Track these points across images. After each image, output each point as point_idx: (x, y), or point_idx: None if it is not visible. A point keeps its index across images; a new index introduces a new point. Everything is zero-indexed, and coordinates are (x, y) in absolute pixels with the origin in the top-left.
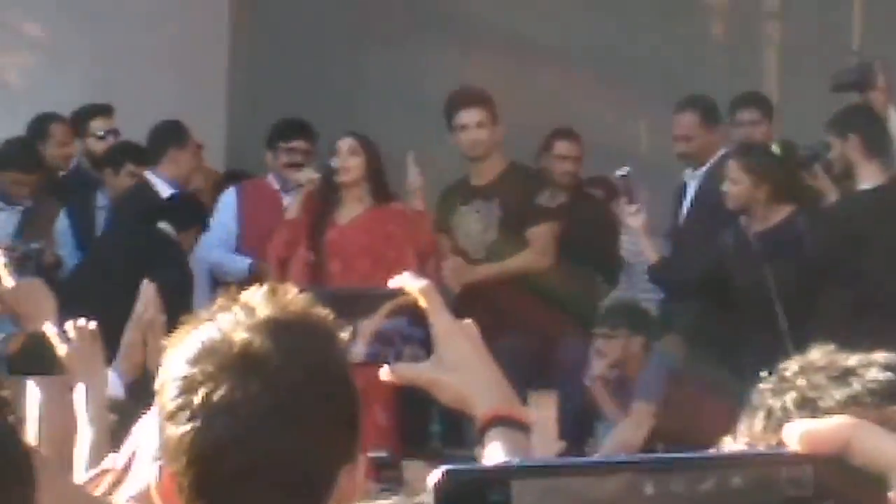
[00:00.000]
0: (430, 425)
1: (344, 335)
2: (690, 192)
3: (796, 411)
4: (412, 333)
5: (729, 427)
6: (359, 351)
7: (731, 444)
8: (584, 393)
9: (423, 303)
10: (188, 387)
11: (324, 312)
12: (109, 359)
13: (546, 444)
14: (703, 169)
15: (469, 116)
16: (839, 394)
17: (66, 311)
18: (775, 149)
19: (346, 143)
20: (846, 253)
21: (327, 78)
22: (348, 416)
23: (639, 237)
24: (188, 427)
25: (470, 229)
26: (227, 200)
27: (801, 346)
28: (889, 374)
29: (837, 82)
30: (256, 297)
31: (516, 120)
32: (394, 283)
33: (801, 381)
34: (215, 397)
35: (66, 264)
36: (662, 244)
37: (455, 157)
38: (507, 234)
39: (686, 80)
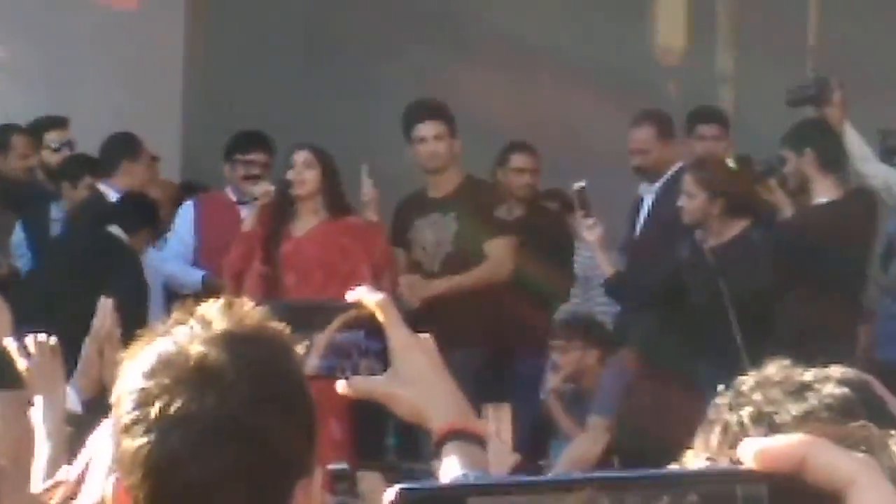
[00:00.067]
0: (385, 438)
1: (300, 348)
2: (646, 205)
3: (753, 426)
4: (369, 346)
5: (685, 441)
6: (314, 364)
7: (692, 460)
8: (540, 407)
9: (379, 316)
10: (144, 400)
11: (280, 326)
12: (68, 372)
13: (501, 456)
14: (659, 183)
15: (427, 129)
16: (795, 409)
17: (19, 316)
18: (731, 163)
19: (301, 156)
20: (801, 267)
21: (283, 90)
22: (305, 430)
23: (595, 250)
24: (144, 440)
25: (426, 242)
26: (185, 213)
27: (756, 361)
28: (845, 390)
29: (793, 97)
30: (212, 311)
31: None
32: (351, 296)
33: (757, 396)
34: (171, 410)
35: (22, 276)
36: (618, 258)
37: (410, 169)
38: (463, 247)
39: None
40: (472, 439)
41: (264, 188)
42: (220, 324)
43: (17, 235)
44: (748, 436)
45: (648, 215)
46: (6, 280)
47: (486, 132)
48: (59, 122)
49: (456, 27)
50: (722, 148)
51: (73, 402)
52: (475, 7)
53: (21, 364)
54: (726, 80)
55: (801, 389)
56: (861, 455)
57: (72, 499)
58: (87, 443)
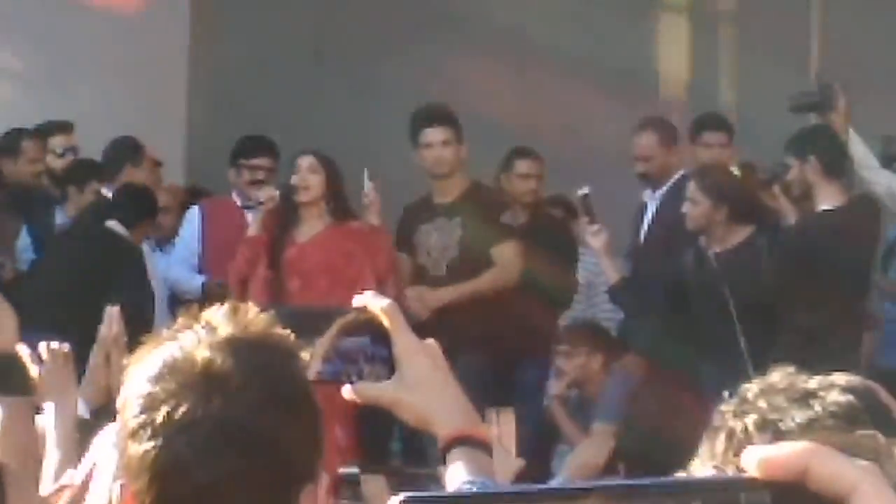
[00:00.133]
0: (390, 444)
1: (305, 354)
2: (650, 212)
3: (757, 433)
4: (375, 352)
5: (691, 447)
6: (319, 369)
7: (697, 468)
8: (544, 413)
9: (385, 322)
10: (150, 405)
11: (285, 331)
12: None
13: (505, 462)
14: (663, 189)
15: (434, 135)
16: (800, 416)
17: (21, 314)
18: (735, 170)
19: (306, 161)
20: (805, 274)
21: (287, 93)
22: (310, 435)
23: (600, 257)
24: (150, 445)
25: (431, 247)
26: (191, 218)
27: (761, 368)
28: (850, 397)
29: (797, 104)
30: (218, 316)
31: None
32: (357, 301)
33: (761, 403)
34: (177, 415)
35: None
36: (623, 264)
37: (415, 174)
38: (469, 252)
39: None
40: (478, 445)
41: (269, 193)
42: (225, 329)
43: (23, 240)
44: (753, 443)
45: (652, 222)
46: (11, 284)
47: (491, 133)
48: (63, 127)
49: (461, 28)
50: (727, 156)
51: (80, 408)
52: (480, 8)
53: (33, 370)
54: (728, 81)
55: (806, 397)
56: (864, 463)
57: (77, 502)
58: (92, 447)
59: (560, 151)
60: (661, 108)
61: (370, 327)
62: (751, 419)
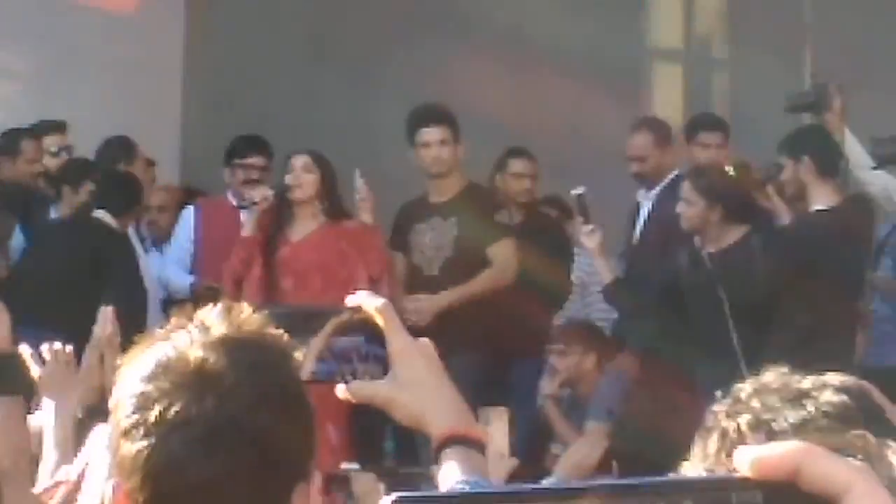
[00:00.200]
0: (383, 443)
1: (298, 354)
2: (644, 212)
3: (750, 433)
4: (369, 351)
5: (684, 447)
6: (314, 368)
7: (690, 468)
8: (538, 413)
9: (379, 321)
10: (143, 404)
11: (278, 331)
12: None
13: (498, 462)
14: (657, 189)
15: (432, 134)
16: (793, 416)
17: (13, 305)
18: (729, 170)
19: (300, 160)
20: (800, 274)
21: (282, 94)
22: (304, 433)
23: (594, 257)
24: (143, 444)
25: (425, 246)
26: (186, 218)
27: (755, 368)
28: (843, 397)
29: (793, 104)
30: (212, 316)
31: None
32: (351, 300)
33: (755, 403)
34: (170, 414)
35: None
36: (617, 264)
37: (412, 173)
38: (463, 252)
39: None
40: (472, 445)
41: (263, 193)
42: (218, 329)
43: (17, 239)
44: (746, 443)
45: (647, 222)
46: (4, 282)
47: (488, 132)
48: (57, 127)
49: (458, 28)
50: (723, 156)
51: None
52: (478, 7)
53: (35, 371)
54: (723, 75)
55: (799, 397)
56: (857, 462)
57: (72, 499)
58: (85, 445)
59: (557, 150)
60: (657, 107)
61: (364, 327)
62: (744, 419)
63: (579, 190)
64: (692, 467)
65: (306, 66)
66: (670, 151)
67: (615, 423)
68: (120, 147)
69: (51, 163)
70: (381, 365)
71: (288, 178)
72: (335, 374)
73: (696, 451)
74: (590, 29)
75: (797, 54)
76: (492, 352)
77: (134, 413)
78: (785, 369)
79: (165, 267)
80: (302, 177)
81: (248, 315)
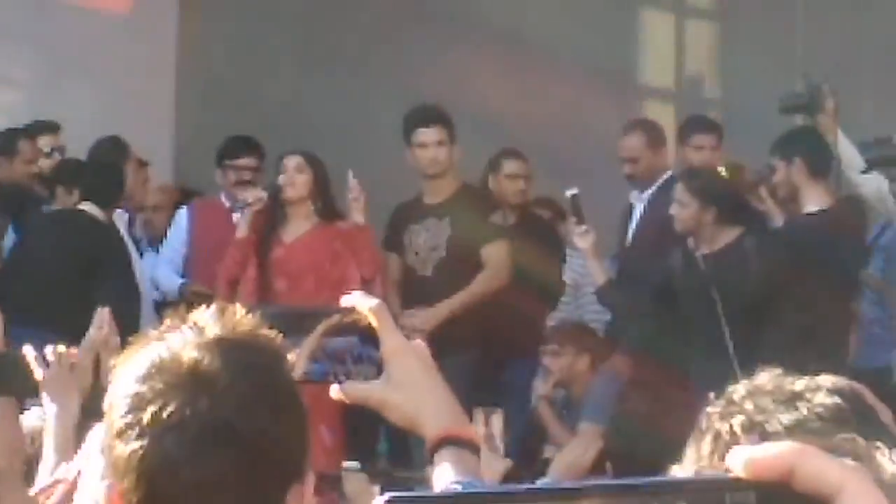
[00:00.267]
0: (377, 444)
1: (291, 355)
2: (637, 213)
3: (744, 435)
4: (363, 352)
5: (678, 448)
6: (307, 368)
7: (683, 469)
8: (532, 414)
9: (373, 322)
10: (137, 404)
11: (271, 332)
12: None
13: (492, 463)
14: (650, 191)
15: (429, 135)
16: (786, 418)
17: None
18: (722, 171)
19: (292, 160)
20: (793, 276)
21: (276, 94)
22: (297, 434)
23: (587, 258)
24: (137, 444)
25: (419, 246)
26: (179, 219)
27: (748, 369)
28: (836, 399)
29: (786, 105)
30: (205, 317)
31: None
32: (345, 301)
33: (748, 405)
34: (164, 415)
35: None
36: (610, 265)
37: (406, 173)
38: (457, 252)
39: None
40: (466, 446)
41: (257, 194)
42: (212, 330)
43: (10, 239)
44: (739, 445)
45: (639, 223)
46: None
47: (482, 131)
48: (50, 127)
49: (453, 26)
50: (717, 158)
51: None
52: (473, 5)
53: (38, 374)
54: (714, 76)
55: (793, 399)
56: (850, 462)
57: (70, 498)
58: (84, 445)
59: (552, 151)
60: (649, 108)
61: (358, 327)
62: (737, 421)
63: (573, 190)
64: (685, 469)
65: (300, 66)
66: (663, 153)
67: (609, 423)
68: (112, 147)
69: (44, 163)
70: (375, 366)
71: (280, 179)
72: (329, 374)
73: (690, 452)
74: (585, 29)
75: (789, 55)
76: (485, 353)
77: (128, 414)
78: (778, 371)
79: (157, 266)
80: (294, 177)
81: (241, 316)
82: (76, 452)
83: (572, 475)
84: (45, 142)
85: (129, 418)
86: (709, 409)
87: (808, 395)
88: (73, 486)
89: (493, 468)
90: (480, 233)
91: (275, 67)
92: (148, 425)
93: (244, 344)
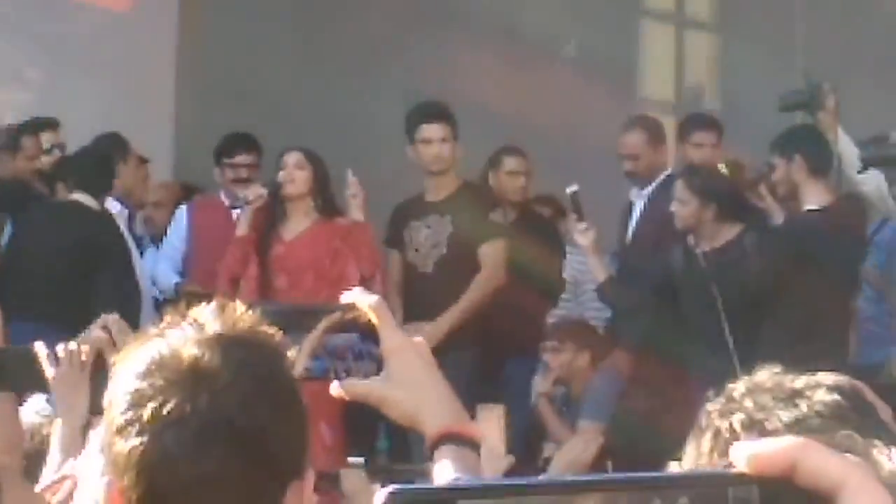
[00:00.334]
0: (376, 441)
1: (291, 352)
2: (637, 210)
3: (743, 433)
4: (363, 349)
5: (678, 445)
6: (307, 365)
7: (683, 465)
8: (532, 411)
9: (373, 318)
10: (137, 401)
11: (271, 329)
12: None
13: (494, 460)
14: (650, 188)
15: (433, 131)
16: (786, 416)
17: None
18: (722, 168)
19: (292, 157)
20: (794, 273)
21: (277, 90)
22: (297, 431)
23: (588, 255)
24: (137, 441)
25: (420, 243)
26: (179, 217)
27: (748, 367)
28: (836, 397)
29: (786, 103)
30: (205, 314)
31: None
32: (345, 298)
33: (748, 403)
34: (164, 411)
35: None
36: (610, 263)
37: (408, 169)
38: (458, 250)
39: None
40: (466, 443)
41: (257, 191)
42: (212, 326)
43: (6, 235)
44: (739, 442)
45: (639, 221)
46: None
47: (482, 127)
48: (50, 124)
49: (454, 23)
50: (717, 156)
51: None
52: (474, 3)
53: (49, 371)
54: (715, 70)
55: (792, 396)
56: (853, 457)
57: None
58: (90, 436)
59: (554, 147)
60: (650, 104)
61: (358, 325)
62: (737, 418)
63: (573, 187)
64: (685, 466)
65: (300, 63)
66: (663, 150)
67: (609, 421)
68: (112, 144)
69: (44, 160)
70: (375, 363)
71: (280, 175)
72: (329, 371)
73: (690, 449)
74: (585, 26)
75: (789, 52)
76: (485, 350)
77: (128, 410)
78: (778, 368)
79: (157, 263)
80: (294, 173)
81: (241, 313)
82: (82, 447)
83: (573, 472)
84: (45, 138)
85: (129, 415)
86: (708, 406)
87: (807, 393)
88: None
89: (494, 465)
90: (480, 231)
91: (275, 64)
92: (148, 422)
93: (244, 341)
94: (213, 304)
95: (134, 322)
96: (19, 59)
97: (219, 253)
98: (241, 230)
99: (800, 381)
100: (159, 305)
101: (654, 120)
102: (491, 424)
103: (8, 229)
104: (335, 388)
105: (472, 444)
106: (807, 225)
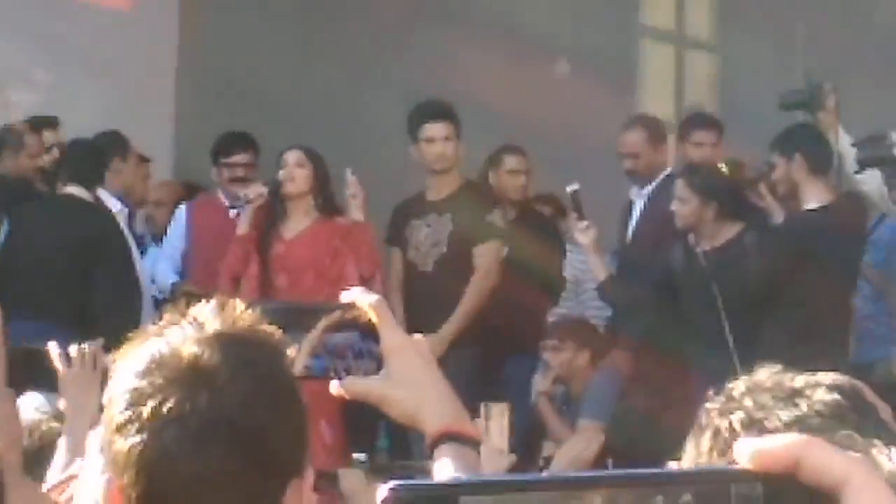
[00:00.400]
0: (376, 440)
1: (291, 350)
2: (637, 209)
3: (743, 432)
4: (363, 348)
5: (678, 444)
6: (307, 364)
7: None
8: (532, 409)
9: (373, 317)
10: (137, 399)
11: (271, 327)
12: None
13: (496, 457)
14: (650, 187)
15: (438, 130)
16: (786, 415)
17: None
18: (722, 166)
19: (293, 155)
20: (794, 272)
21: (277, 89)
22: (297, 430)
23: (589, 254)
24: (136, 439)
25: (420, 242)
26: (178, 217)
27: (748, 366)
28: (835, 396)
29: (787, 102)
30: (205, 312)
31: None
32: (345, 297)
33: (747, 402)
34: (164, 409)
35: None
36: (610, 261)
37: (408, 167)
38: (458, 248)
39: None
40: (466, 442)
41: (258, 190)
42: (212, 325)
43: (4, 233)
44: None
45: (639, 219)
46: None
47: (483, 125)
48: (50, 122)
49: (454, 20)
50: (717, 154)
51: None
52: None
53: (62, 372)
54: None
55: (792, 395)
56: (857, 455)
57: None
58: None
59: (554, 146)
60: (649, 101)
61: (359, 323)
62: (736, 417)
63: (574, 186)
64: (684, 465)
65: (301, 62)
66: (663, 149)
67: (610, 420)
68: (115, 142)
69: (45, 158)
70: (375, 361)
71: (281, 174)
72: (329, 370)
73: (689, 448)
74: (586, 25)
75: (789, 51)
76: (486, 348)
77: (127, 409)
78: (778, 367)
79: (158, 262)
80: (295, 172)
81: (241, 311)
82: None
83: (575, 470)
84: (46, 137)
85: (129, 413)
86: (708, 405)
87: (807, 392)
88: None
89: (496, 464)
90: (477, 231)
91: (275, 63)
92: (147, 420)
93: (244, 339)
94: (213, 302)
95: (135, 320)
96: (21, 58)
97: (217, 252)
98: (242, 229)
99: (799, 381)
100: (158, 305)
101: (654, 119)
102: (497, 422)
103: (5, 227)
104: (335, 387)
105: (472, 443)
106: (807, 224)
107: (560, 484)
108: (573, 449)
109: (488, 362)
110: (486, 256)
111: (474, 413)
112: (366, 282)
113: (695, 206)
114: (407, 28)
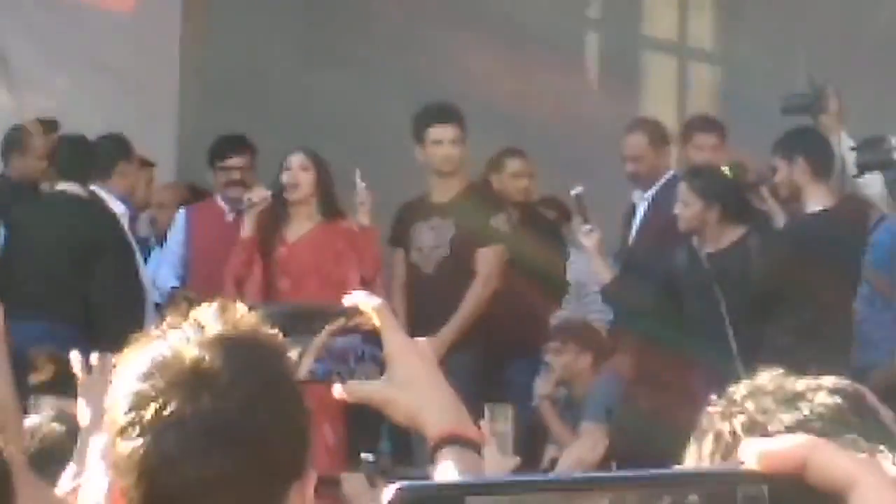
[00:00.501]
0: (379, 443)
1: (293, 353)
2: (640, 213)
3: (745, 435)
4: (366, 351)
5: (681, 448)
6: (311, 368)
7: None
8: (534, 412)
9: (376, 321)
10: (139, 402)
11: (273, 330)
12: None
13: (500, 459)
14: (653, 190)
15: (445, 132)
16: (788, 418)
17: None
18: (726, 170)
19: (296, 159)
20: (796, 275)
21: (280, 91)
22: (299, 433)
23: (592, 257)
24: (139, 442)
25: (423, 244)
26: (178, 221)
27: (751, 368)
28: (837, 399)
29: (788, 104)
30: (207, 315)
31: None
32: (348, 300)
33: (749, 405)
34: (166, 412)
35: None
36: (613, 264)
37: (411, 168)
38: (459, 252)
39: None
40: (468, 445)
41: (261, 193)
42: (214, 328)
43: (3, 235)
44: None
45: (642, 222)
46: None
47: (486, 126)
48: (50, 125)
49: (457, 21)
50: (720, 158)
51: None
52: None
53: (80, 378)
54: (717, 72)
55: (794, 399)
56: (863, 456)
57: None
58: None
59: (557, 149)
60: (651, 105)
61: (362, 327)
62: (738, 421)
63: (578, 189)
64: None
65: (305, 63)
66: (665, 152)
67: (613, 422)
68: (119, 145)
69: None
70: (378, 365)
71: (285, 177)
72: (332, 373)
73: (691, 452)
74: (587, 24)
75: (791, 54)
76: (488, 351)
77: (129, 412)
78: (780, 371)
79: (160, 266)
80: (298, 175)
81: (242, 314)
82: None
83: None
84: (50, 139)
85: (131, 416)
86: (710, 408)
87: (809, 396)
88: None
89: (500, 466)
90: (480, 235)
91: (279, 65)
92: (149, 423)
93: (246, 342)
94: (215, 305)
95: (138, 321)
96: (24, 60)
97: (216, 257)
98: (246, 232)
99: (801, 384)
100: (159, 309)
101: (656, 122)
102: (501, 424)
103: (5, 227)
104: (338, 391)
105: (475, 446)
106: (809, 227)
107: (566, 484)
108: (580, 449)
109: (491, 365)
110: (487, 263)
111: (476, 416)
112: (367, 285)
113: (698, 209)
114: (409, 29)
